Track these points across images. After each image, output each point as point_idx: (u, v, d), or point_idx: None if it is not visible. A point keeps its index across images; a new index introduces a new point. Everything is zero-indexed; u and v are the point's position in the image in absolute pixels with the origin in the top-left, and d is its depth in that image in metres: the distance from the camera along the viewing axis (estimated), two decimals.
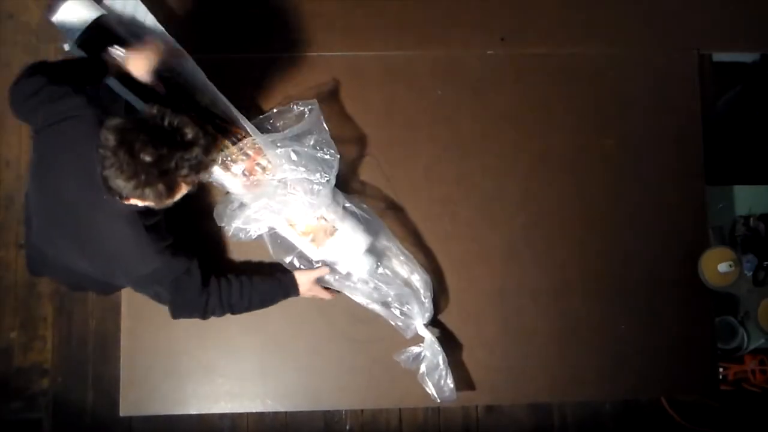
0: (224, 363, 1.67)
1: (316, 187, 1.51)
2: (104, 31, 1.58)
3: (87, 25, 1.57)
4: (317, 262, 1.59)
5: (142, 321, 1.65)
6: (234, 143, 1.57)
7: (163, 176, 1.18)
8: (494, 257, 1.72)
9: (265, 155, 1.57)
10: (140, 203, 1.26)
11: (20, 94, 1.37)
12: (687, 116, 1.80)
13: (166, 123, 1.18)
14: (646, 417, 2.34)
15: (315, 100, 1.58)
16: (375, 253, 1.62)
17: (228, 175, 1.57)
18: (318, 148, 1.54)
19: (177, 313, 1.50)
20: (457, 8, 1.81)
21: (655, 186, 1.77)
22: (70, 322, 2.32)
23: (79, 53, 1.58)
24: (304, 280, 1.57)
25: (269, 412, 2.24)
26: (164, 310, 1.48)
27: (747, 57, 2.06)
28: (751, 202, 1.91)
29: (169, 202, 1.25)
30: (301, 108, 1.59)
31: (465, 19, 1.80)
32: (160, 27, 1.65)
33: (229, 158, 1.56)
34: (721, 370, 1.85)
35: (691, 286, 1.74)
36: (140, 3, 1.65)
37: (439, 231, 1.72)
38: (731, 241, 1.89)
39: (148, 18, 1.65)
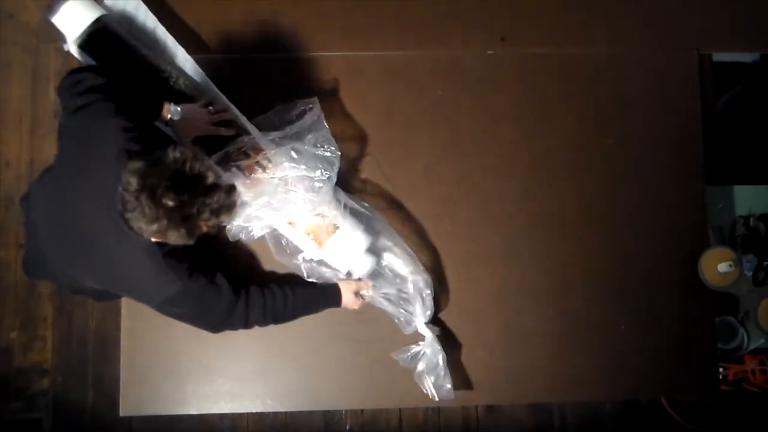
0: (224, 363, 1.67)
1: (317, 184, 1.51)
2: (105, 32, 1.58)
3: (87, 25, 1.56)
4: (318, 261, 1.59)
5: (142, 321, 1.64)
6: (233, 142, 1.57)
7: (185, 221, 1.19)
8: (494, 257, 1.72)
9: (265, 154, 1.57)
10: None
11: (71, 86, 1.37)
12: (687, 116, 1.80)
13: (187, 168, 1.18)
14: (646, 417, 2.34)
15: (315, 98, 1.58)
16: (376, 251, 1.62)
17: (227, 174, 1.57)
18: (318, 145, 1.54)
19: (216, 328, 1.51)
20: (457, 8, 1.81)
21: (655, 186, 1.77)
22: (70, 322, 2.31)
23: (79, 53, 1.58)
24: (347, 291, 1.58)
25: (269, 412, 2.24)
26: None
27: (747, 57, 2.06)
28: (751, 202, 1.91)
29: (190, 242, 1.25)
30: (302, 107, 1.59)
31: (465, 19, 1.80)
32: (161, 27, 1.65)
33: (230, 158, 1.56)
34: (721, 370, 1.85)
35: (691, 286, 1.74)
36: (141, 3, 1.66)
37: (439, 231, 1.72)
38: (731, 241, 1.89)
39: (148, 18, 1.65)
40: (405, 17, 1.79)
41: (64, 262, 1.45)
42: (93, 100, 1.34)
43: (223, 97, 1.61)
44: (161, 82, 1.59)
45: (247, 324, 1.50)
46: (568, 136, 1.77)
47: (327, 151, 1.54)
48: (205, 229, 1.24)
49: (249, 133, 1.57)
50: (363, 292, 1.60)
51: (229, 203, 1.23)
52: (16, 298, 2.33)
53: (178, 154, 1.18)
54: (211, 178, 1.20)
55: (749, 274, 1.86)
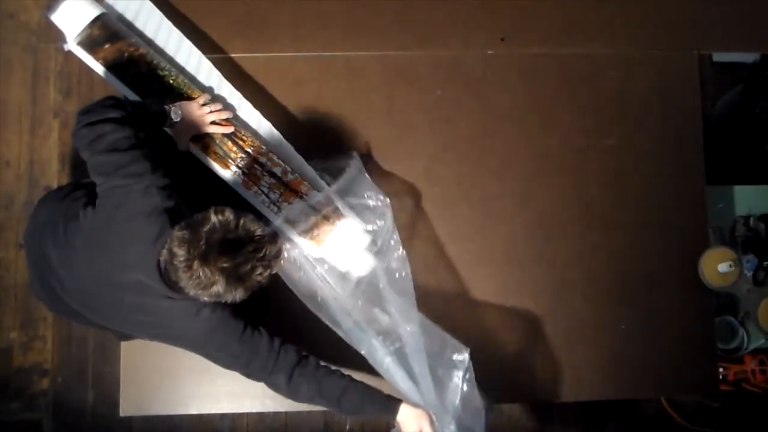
0: None
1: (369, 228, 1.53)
2: (105, 30, 1.58)
3: (87, 23, 1.56)
4: (319, 260, 1.59)
5: None
6: (234, 142, 1.58)
7: (241, 281, 1.18)
8: (494, 257, 1.72)
9: (265, 153, 1.58)
10: None
11: (93, 142, 1.32)
12: (687, 116, 1.80)
13: (236, 228, 1.18)
14: (646, 417, 2.34)
15: (355, 153, 1.60)
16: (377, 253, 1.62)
17: (227, 172, 1.58)
18: (366, 196, 1.55)
19: (261, 374, 1.41)
20: (457, 8, 1.81)
21: (655, 186, 1.77)
22: (70, 322, 2.31)
23: (79, 51, 1.58)
24: (408, 415, 1.41)
25: (269, 412, 2.24)
26: None
27: (747, 57, 2.06)
28: (751, 202, 1.92)
29: (246, 296, 1.24)
30: (342, 160, 1.60)
31: (465, 19, 1.81)
32: (167, 22, 1.65)
33: (228, 156, 1.57)
34: (721, 370, 1.86)
35: (691, 286, 1.74)
36: (147, 0, 1.66)
37: (439, 231, 1.72)
38: (731, 241, 1.89)
39: (153, 14, 1.65)
40: (405, 17, 1.79)
41: (106, 320, 1.43)
42: (129, 182, 1.30)
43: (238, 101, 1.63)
44: (160, 81, 1.59)
45: (290, 381, 1.38)
46: (568, 136, 1.77)
47: (377, 201, 1.55)
48: (259, 282, 1.23)
49: (245, 128, 1.60)
50: (424, 428, 1.42)
51: (277, 252, 1.23)
52: (16, 298, 2.32)
53: (221, 217, 1.18)
54: (258, 233, 1.19)
55: (749, 274, 1.86)
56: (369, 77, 1.76)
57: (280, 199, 1.57)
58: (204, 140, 1.58)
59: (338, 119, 1.73)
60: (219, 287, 1.17)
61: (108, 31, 1.58)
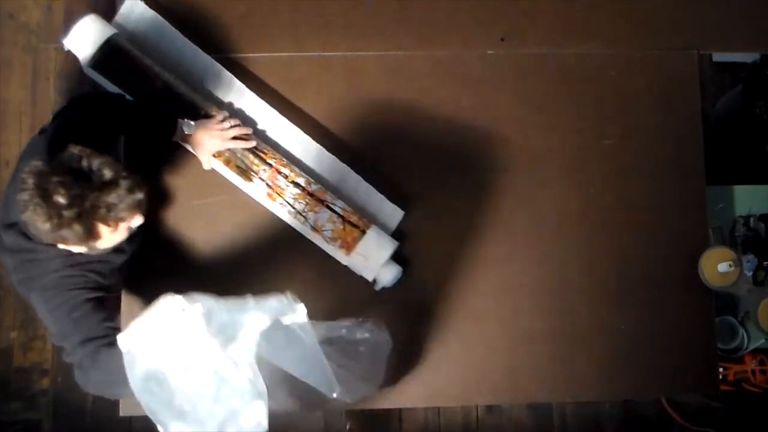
0: None
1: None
2: (117, 51, 1.57)
3: (99, 46, 1.56)
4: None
5: None
6: (255, 155, 1.59)
7: (79, 218, 1.14)
8: (495, 257, 1.72)
9: (286, 165, 1.59)
10: (68, 248, 1.23)
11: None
12: (687, 116, 1.80)
13: (83, 164, 1.15)
14: (647, 417, 2.34)
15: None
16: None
17: (251, 185, 1.58)
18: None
19: (70, 352, 1.33)
20: (457, 8, 1.81)
21: (655, 186, 1.77)
22: None
23: (94, 75, 1.58)
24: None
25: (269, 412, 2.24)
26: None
27: (747, 57, 2.06)
28: (751, 202, 1.91)
29: (94, 245, 1.21)
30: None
31: (465, 19, 1.80)
32: (180, 36, 1.67)
33: (250, 169, 1.58)
34: (721, 370, 1.85)
35: (691, 286, 1.74)
36: (158, 16, 1.66)
37: (439, 231, 1.72)
38: (731, 241, 1.89)
39: (166, 30, 1.66)
40: (405, 17, 1.79)
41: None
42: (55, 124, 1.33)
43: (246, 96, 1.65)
44: (176, 99, 1.59)
45: (89, 357, 1.28)
46: (568, 136, 1.77)
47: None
48: (106, 230, 1.19)
49: (266, 141, 1.62)
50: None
51: (130, 200, 1.18)
52: (16, 298, 2.32)
53: (75, 151, 1.16)
54: (108, 174, 1.16)
55: (749, 274, 1.86)
56: (369, 77, 1.76)
57: (306, 209, 1.57)
58: (225, 155, 1.58)
59: (338, 119, 1.73)
60: (55, 221, 1.13)
61: (121, 51, 1.58)
